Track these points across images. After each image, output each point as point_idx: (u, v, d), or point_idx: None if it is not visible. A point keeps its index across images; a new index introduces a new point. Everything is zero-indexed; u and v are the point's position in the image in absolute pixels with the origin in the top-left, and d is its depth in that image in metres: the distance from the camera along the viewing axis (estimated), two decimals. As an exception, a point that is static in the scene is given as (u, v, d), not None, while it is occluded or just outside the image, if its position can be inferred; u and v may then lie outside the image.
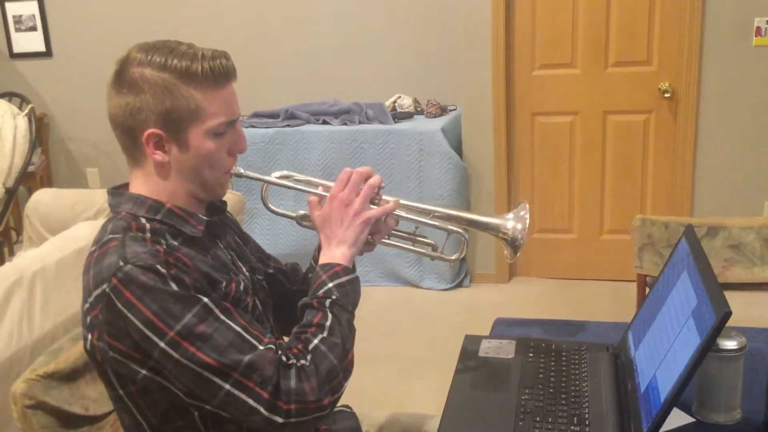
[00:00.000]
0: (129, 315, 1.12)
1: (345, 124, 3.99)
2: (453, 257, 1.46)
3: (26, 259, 2.14)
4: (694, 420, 1.29)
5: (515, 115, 3.90)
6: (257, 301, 1.34)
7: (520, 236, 1.37)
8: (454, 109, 4.15)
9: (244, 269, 1.36)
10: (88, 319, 1.19)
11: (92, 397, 1.44)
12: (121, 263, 1.13)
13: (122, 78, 1.20)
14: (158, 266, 1.13)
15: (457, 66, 3.92)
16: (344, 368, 1.20)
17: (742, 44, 3.53)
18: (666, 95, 3.66)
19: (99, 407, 1.45)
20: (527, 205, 1.41)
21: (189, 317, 1.12)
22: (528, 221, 1.38)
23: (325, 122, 4.05)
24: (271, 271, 1.50)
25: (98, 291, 1.15)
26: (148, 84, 1.18)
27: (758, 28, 3.51)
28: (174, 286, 1.13)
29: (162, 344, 1.12)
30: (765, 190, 3.68)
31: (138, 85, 1.19)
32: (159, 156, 1.22)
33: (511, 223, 1.39)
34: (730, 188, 3.70)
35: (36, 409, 1.33)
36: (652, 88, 3.70)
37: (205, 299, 1.15)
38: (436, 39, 4.27)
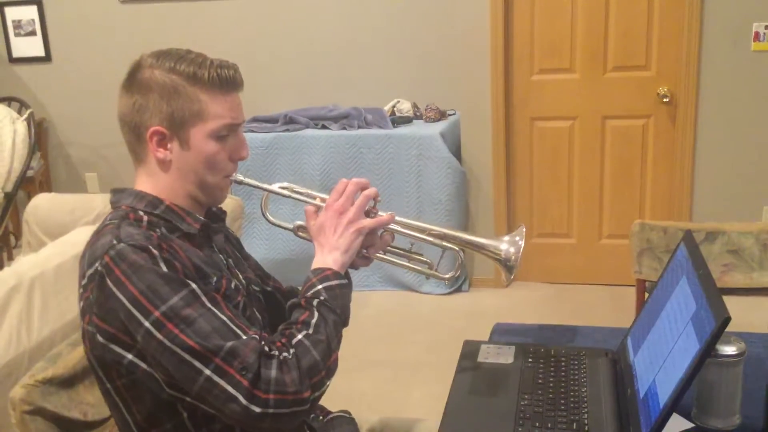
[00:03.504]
0: (117, 293, 1.15)
1: (344, 128, 3.99)
2: (447, 276, 1.49)
3: (25, 264, 2.14)
4: (694, 425, 1.29)
5: (514, 120, 3.90)
6: (255, 311, 1.34)
7: (513, 258, 1.40)
8: (453, 114, 4.14)
9: (240, 276, 1.37)
10: (82, 303, 1.22)
11: (91, 402, 1.44)
12: (115, 242, 1.17)
13: (133, 80, 1.26)
14: (150, 247, 1.16)
15: (456, 71, 3.92)
16: (327, 366, 1.20)
17: (741, 49, 3.54)
18: (664, 100, 3.66)
19: (98, 413, 1.45)
20: (524, 230, 1.43)
21: (176, 299, 1.14)
22: (522, 246, 1.40)
23: (324, 127, 4.05)
24: (269, 289, 1.51)
25: (91, 270, 1.18)
26: (157, 84, 1.24)
27: (756, 33, 3.51)
28: (164, 268, 1.15)
29: (146, 323, 1.13)
30: (764, 195, 3.69)
31: (147, 85, 1.25)
32: (161, 153, 1.26)
33: (504, 245, 1.41)
34: (729, 193, 3.70)
35: (34, 415, 1.33)
36: (651, 93, 3.70)
37: (194, 285, 1.17)
38: (435, 44, 4.27)
